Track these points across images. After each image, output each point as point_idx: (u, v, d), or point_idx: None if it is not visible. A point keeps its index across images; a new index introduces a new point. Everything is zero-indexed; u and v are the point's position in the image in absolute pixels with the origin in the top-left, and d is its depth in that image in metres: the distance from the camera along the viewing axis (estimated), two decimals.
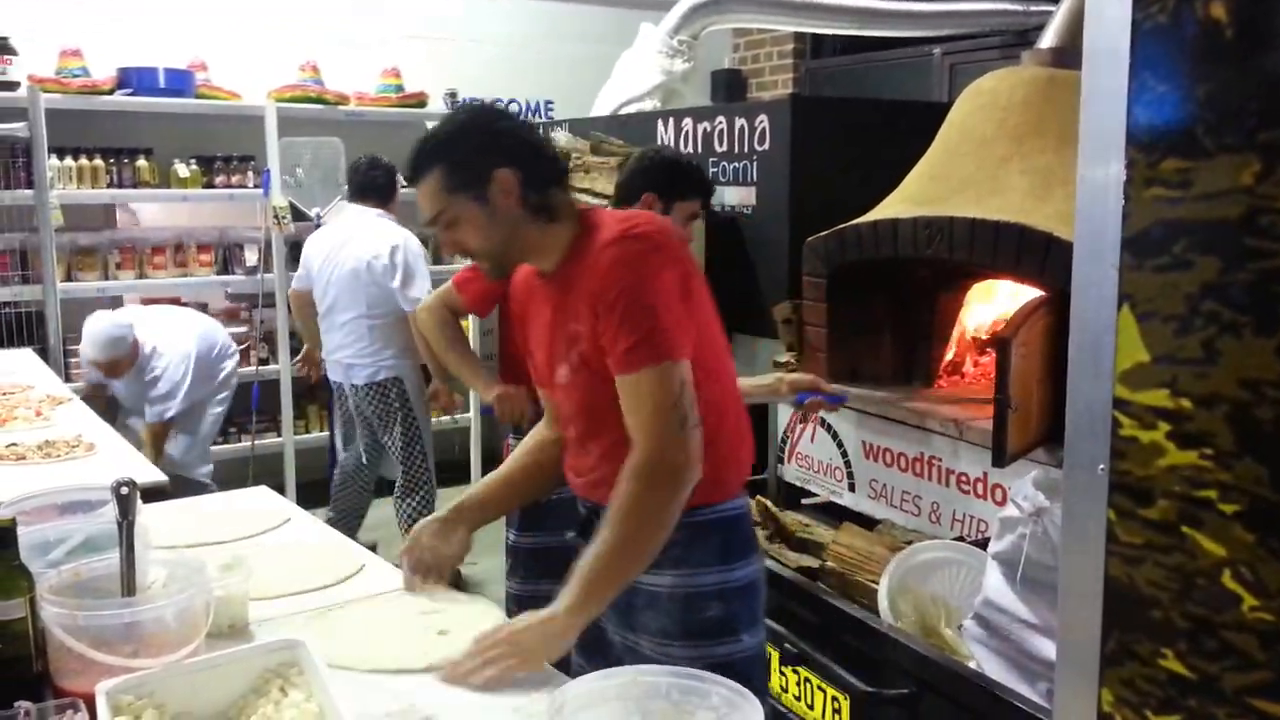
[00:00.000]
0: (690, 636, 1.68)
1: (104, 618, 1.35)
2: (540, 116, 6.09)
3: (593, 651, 1.82)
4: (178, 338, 4.22)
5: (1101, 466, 0.92)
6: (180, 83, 4.83)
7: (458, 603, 1.73)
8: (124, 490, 1.47)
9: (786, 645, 2.37)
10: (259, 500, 2.36)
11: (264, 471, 4.74)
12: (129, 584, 1.46)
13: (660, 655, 1.66)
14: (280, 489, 4.83)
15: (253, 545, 2.02)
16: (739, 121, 3.57)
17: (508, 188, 1.61)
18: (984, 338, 2.84)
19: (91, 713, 1.23)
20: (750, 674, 1.67)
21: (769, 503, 2.74)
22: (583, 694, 1.16)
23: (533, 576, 2.67)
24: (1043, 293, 2.18)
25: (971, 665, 1.97)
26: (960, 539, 2.37)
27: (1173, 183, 0.86)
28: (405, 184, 1.73)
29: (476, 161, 1.61)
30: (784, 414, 3.05)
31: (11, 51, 4.45)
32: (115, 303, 5.16)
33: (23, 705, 1.25)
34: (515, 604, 2.66)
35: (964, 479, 2.45)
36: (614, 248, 1.58)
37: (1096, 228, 0.92)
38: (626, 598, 1.69)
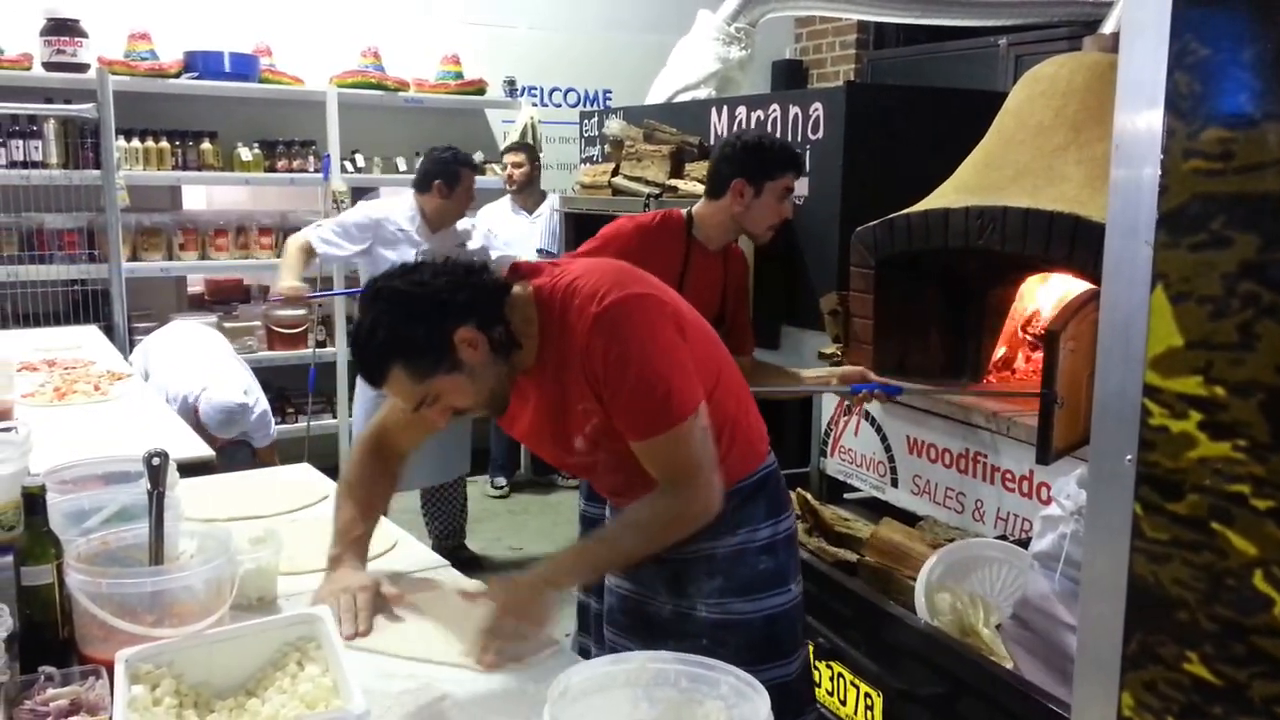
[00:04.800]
0: (747, 591, 1.74)
1: (127, 586, 1.36)
2: (599, 105, 6.08)
3: (635, 625, 1.85)
4: (237, 367, 4.07)
5: (1129, 457, 0.87)
6: (245, 67, 4.92)
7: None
8: (155, 461, 1.49)
9: (821, 639, 2.32)
10: (300, 477, 2.39)
11: (319, 451, 4.80)
12: (157, 553, 1.48)
13: (718, 613, 1.73)
14: (334, 469, 4.93)
15: (289, 520, 2.04)
16: (793, 109, 3.51)
17: (473, 342, 1.52)
18: (1036, 333, 2.75)
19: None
20: (798, 619, 1.83)
21: (809, 496, 2.70)
22: (589, 679, 1.14)
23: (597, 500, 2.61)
24: (1095, 286, 2.10)
25: (1009, 666, 1.91)
26: (1003, 537, 2.30)
27: (1214, 154, 0.81)
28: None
29: (432, 338, 1.50)
30: (828, 407, 3.00)
31: (82, 34, 4.56)
32: (179, 283, 5.29)
33: (45, 670, 1.27)
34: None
35: (1009, 476, 2.38)
36: (595, 332, 1.53)
37: (1131, 203, 0.86)
38: (675, 569, 1.76)
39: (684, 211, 2.66)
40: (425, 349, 1.50)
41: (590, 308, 1.54)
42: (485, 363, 1.54)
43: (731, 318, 2.71)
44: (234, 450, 3.78)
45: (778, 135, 3.60)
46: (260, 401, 3.96)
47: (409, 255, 3.83)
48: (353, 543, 1.74)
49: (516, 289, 1.61)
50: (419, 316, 1.50)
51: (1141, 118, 0.85)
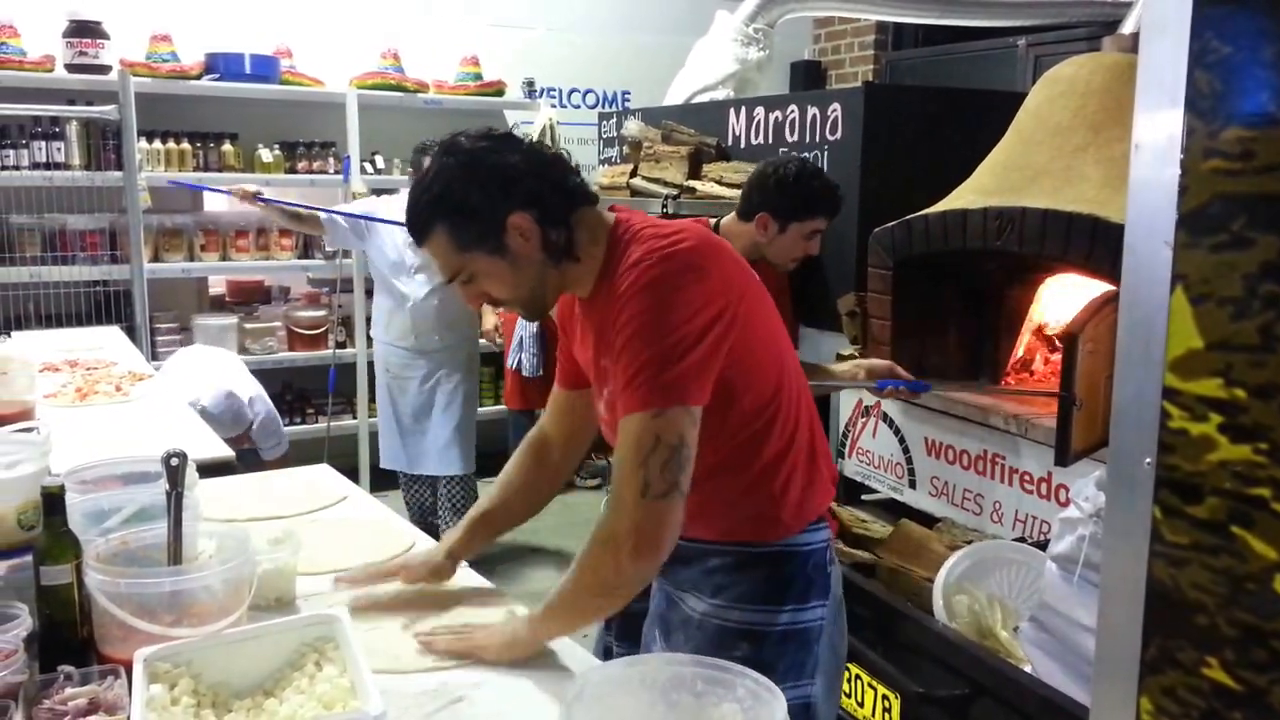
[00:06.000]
0: None
1: (146, 586, 1.37)
2: (617, 106, 6.09)
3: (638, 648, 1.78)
4: (243, 376, 4.15)
5: (1148, 460, 0.86)
6: (266, 69, 4.94)
7: (483, 602, 1.69)
8: (174, 462, 1.50)
9: None
10: (319, 477, 2.39)
11: (338, 452, 4.83)
12: (175, 553, 1.49)
13: None
14: (354, 470, 4.96)
15: (309, 521, 2.05)
16: (811, 110, 3.50)
17: (526, 233, 1.42)
18: (1055, 334, 2.73)
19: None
20: None
21: None
22: (605, 680, 1.14)
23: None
24: (1114, 287, 2.09)
25: (1027, 669, 1.90)
26: (1022, 539, 2.29)
27: (1234, 154, 0.80)
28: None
29: (485, 211, 1.41)
30: (845, 408, 2.99)
31: (104, 36, 4.60)
32: (200, 284, 5.33)
33: (64, 669, 1.28)
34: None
35: (1027, 478, 2.37)
36: (634, 272, 1.39)
37: (1150, 203, 0.85)
38: (666, 615, 1.64)
39: (711, 222, 2.65)
40: (474, 218, 1.41)
41: (645, 248, 1.41)
42: (532, 259, 1.44)
43: None
44: (241, 454, 3.83)
45: (795, 137, 3.59)
46: (262, 412, 4.02)
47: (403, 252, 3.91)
48: (463, 527, 1.72)
49: (599, 211, 1.51)
50: (479, 184, 1.41)
51: (1161, 117, 0.84)
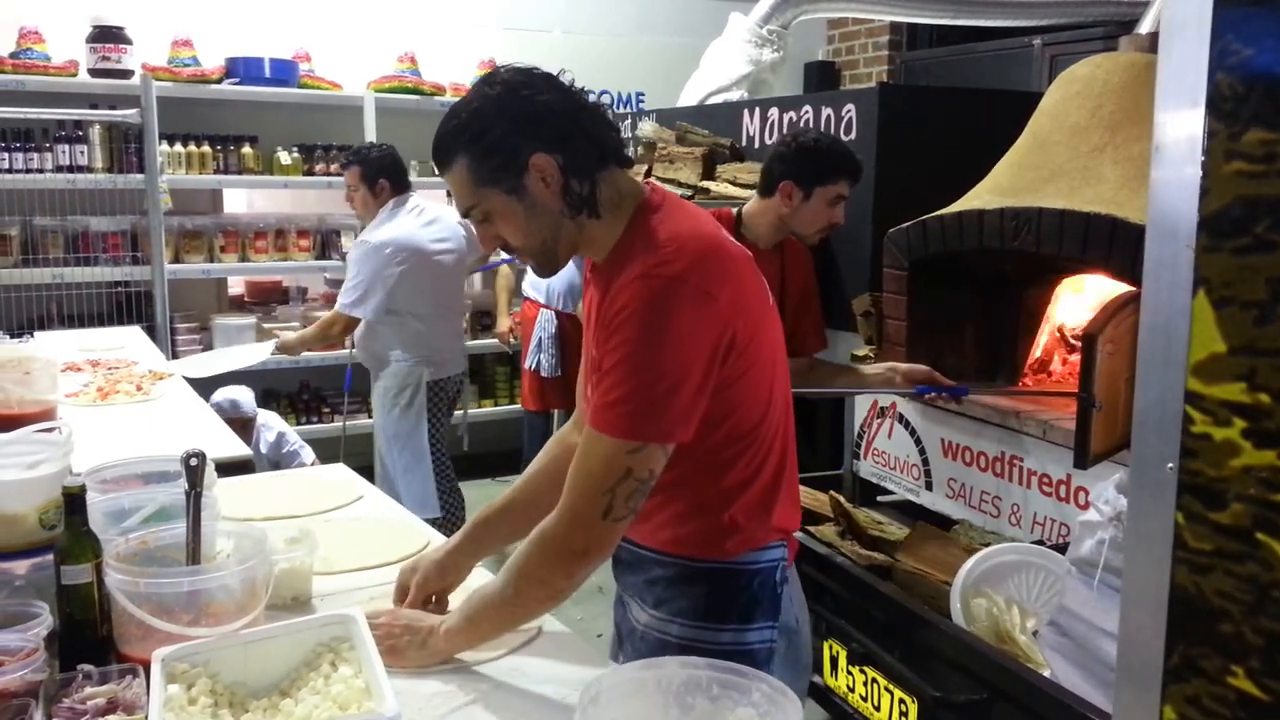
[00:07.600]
0: None
1: (165, 585, 1.37)
2: (631, 107, 6.09)
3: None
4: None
5: (1170, 465, 0.85)
6: (285, 73, 4.99)
7: None
8: (193, 462, 1.51)
9: (854, 644, 2.31)
10: (336, 476, 2.41)
11: (354, 451, 4.84)
12: (194, 553, 1.50)
13: None
14: (369, 469, 4.97)
15: (324, 520, 2.06)
16: (825, 111, 3.49)
17: (547, 176, 1.35)
18: (1073, 335, 2.72)
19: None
20: None
21: (842, 499, 2.68)
22: (620, 684, 1.13)
23: None
24: (1133, 288, 2.07)
25: (1046, 673, 1.89)
26: (1040, 542, 2.27)
27: (1256, 156, 0.79)
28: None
29: (509, 148, 1.34)
30: (861, 409, 2.98)
31: (126, 41, 4.66)
32: (220, 284, 5.37)
33: (84, 668, 1.29)
34: None
35: (1046, 480, 2.35)
36: (637, 285, 1.31)
37: (1171, 206, 0.85)
38: (619, 623, 1.64)
39: (734, 210, 2.65)
40: (494, 153, 1.34)
41: (653, 259, 1.32)
42: (549, 208, 1.37)
43: (794, 318, 2.62)
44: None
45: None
46: (283, 431, 4.11)
47: None
48: (468, 527, 1.66)
49: (632, 178, 1.44)
50: (506, 118, 1.34)
51: (1182, 119, 0.83)
